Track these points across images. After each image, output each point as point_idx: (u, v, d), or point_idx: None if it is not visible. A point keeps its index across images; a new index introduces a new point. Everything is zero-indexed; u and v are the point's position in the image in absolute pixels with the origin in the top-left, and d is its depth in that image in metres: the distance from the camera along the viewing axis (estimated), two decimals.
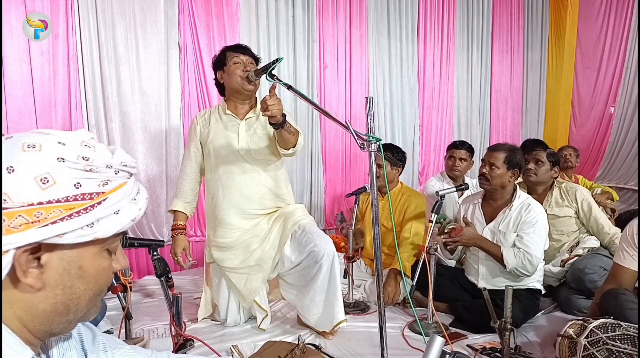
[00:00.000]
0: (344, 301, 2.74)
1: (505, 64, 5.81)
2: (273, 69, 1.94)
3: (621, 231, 2.36)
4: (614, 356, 1.68)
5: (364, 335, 2.38)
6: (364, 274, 3.13)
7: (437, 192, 2.59)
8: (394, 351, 2.05)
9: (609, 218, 3.16)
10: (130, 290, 2.04)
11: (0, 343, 0.61)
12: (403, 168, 3.23)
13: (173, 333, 1.92)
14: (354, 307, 2.75)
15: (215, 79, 2.42)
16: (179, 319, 1.90)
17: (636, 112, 5.67)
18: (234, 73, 2.28)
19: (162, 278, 1.90)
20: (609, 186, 4.67)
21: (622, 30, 5.75)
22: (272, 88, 1.92)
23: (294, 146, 2.23)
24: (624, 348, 1.67)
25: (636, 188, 5.61)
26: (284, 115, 2.02)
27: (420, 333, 2.30)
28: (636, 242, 2.06)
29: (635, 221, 2.10)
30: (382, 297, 1.82)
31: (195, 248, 3.57)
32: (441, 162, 5.09)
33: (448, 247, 2.58)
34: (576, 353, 1.80)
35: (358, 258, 3.06)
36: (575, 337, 1.85)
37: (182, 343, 1.93)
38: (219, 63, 2.35)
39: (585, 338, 1.79)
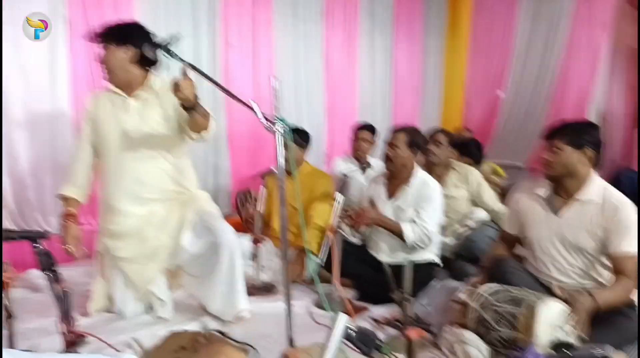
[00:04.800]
0: (252, 284, 2.73)
1: (406, 49, 6.03)
2: (170, 45, 1.84)
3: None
4: (500, 316, 1.84)
5: (271, 315, 2.36)
6: (271, 255, 3.11)
7: (342, 173, 2.65)
8: (300, 328, 2.05)
9: (495, 193, 3.45)
10: (10, 286, 1.84)
11: (0, 344, 0.52)
12: (308, 148, 3.25)
13: (63, 331, 1.77)
14: (262, 289, 2.74)
15: None
16: (68, 315, 1.75)
17: (520, 96, 6.21)
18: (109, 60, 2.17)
19: (48, 273, 1.74)
20: (497, 164, 5.08)
21: (511, 20, 6.22)
22: (184, 71, 1.83)
23: (206, 130, 2.14)
24: (509, 309, 1.83)
25: (521, 165, 6.17)
26: (196, 97, 1.94)
27: (326, 310, 2.34)
28: (516, 210, 2.27)
29: (515, 192, 2.31)
30: (288, 277, 1.82)
31: (87, 237, 3.32)
32: (347, 143, 5.20)
33: (355, 229, 2.66)
34: (468, 316, 1.94)
35: (265, 240, 3.04)
36: (467, 301, 1.99)
37: (74, 341, 1.79)
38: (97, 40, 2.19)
39: (475, 302, 1.94)
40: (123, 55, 2.14)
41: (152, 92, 2.25)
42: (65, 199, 2.27)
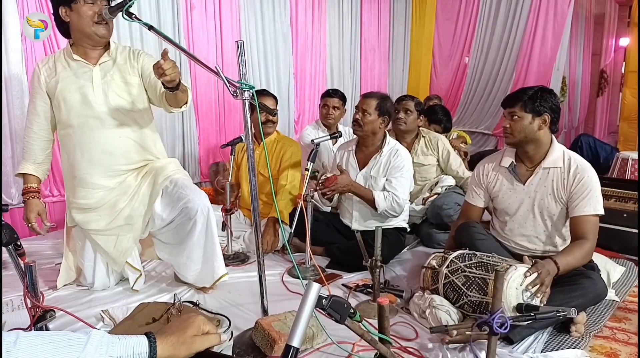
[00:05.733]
0: (224, 254, 2.70)
1: (373, 13, 5.94)
2: (131, 6, 1.73)
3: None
4: (470, 281, 1.90)
5: (245, 285, 2.38)
6: (242, 225, 3.10)
7: (312, 140, 2.63)
8: (274, 297, 2.09)
9: (462, 160, 3.51)
10: None
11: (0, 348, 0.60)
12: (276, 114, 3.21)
13: (29, 306, 1.72)
14: (234, 259, 2.73)
15: (56, 14, 2.09)
16: (34, 289, 1.70)
17: (487, 62, 6.26)
18: (86, 14, 2.00)
19: (10, 247, 1.67)
20: (463, 131, 5.17)
21: None
22: (165, 53, 1.73)
23: (185, 104, 2.08)
24: (479, 274, 1.89)
25: (487, 132, 6.30)
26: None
27: (298, 278, 2.37)
28: (482, 183, 2.31)
29: (480, 165, 2.35)
30: (260, 246, 1.82)
31: (53, 209, 3.22)
32: (316, 110, 5.15)
33: (326, 196, 2.66)
34: (438, 282, 2.00)
35: (236, 210, 3.02)
36: (437, 267, 2.04)
37: (41, 315, 1.74)
38: None
39: (446, 268, 1.99)
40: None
41: (110, 53, 2.16)
42: (25, 176, 2.19)
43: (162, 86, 1.91)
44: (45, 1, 3.09)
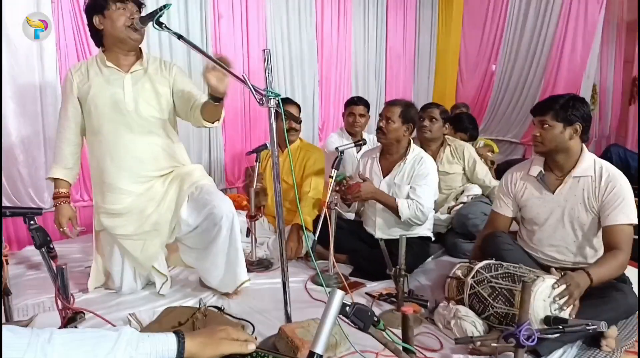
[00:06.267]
0: (247, 260, 2.72)
1: (399, 21, 5.93)
2: (161, 16, 1.79)
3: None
4: (497, 292, 1.86)
5: (268, 291, 2.39)
6: (267, 231, 3.13)
7: (336, 148, 2.64)
8: (297, 304, 2.09)
9: (489, 169, 3.46)
10: (7, 264, 1.83)
11: (0, 342, 0.63)
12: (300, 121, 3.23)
13: (60, 307, 1.77)
14: (258, 265, 2.75)
15: (90, 24, 2.16)
16: (65, 291, 1.75)
17: (514, 70, 6.16)
18: (118, 20, 2.07)
19: (43, 249, 1.72)
20: (490, 139, 5.09)
21: None
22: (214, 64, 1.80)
23: (218, 120, 2.13)
24: (505, 285, 1.85)
25: (514, 140, 6.19)
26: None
27: (322, 285, 2.36)
28: (510, 192, 2.27)
29: (508, 173, 2.31)
30: (284, 253, 1.83)
31: (83, 213, 3.30)
32: (340, 118, 5.17)
33: (347, 202, 2.65)
34: (463, 292, 1.97)
35: (260, 216, 3.04)
36: (463, 277, 2.01)
37: (72, 317, 1.78)
38: (97, 6, 2.10)
39: (472, 278, 1.95)
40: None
41: (142, 63, 2.22)
42: (55, 180, 2.25)
43: (210, 97, 1.95)
44: (80, 13, 3.20)
